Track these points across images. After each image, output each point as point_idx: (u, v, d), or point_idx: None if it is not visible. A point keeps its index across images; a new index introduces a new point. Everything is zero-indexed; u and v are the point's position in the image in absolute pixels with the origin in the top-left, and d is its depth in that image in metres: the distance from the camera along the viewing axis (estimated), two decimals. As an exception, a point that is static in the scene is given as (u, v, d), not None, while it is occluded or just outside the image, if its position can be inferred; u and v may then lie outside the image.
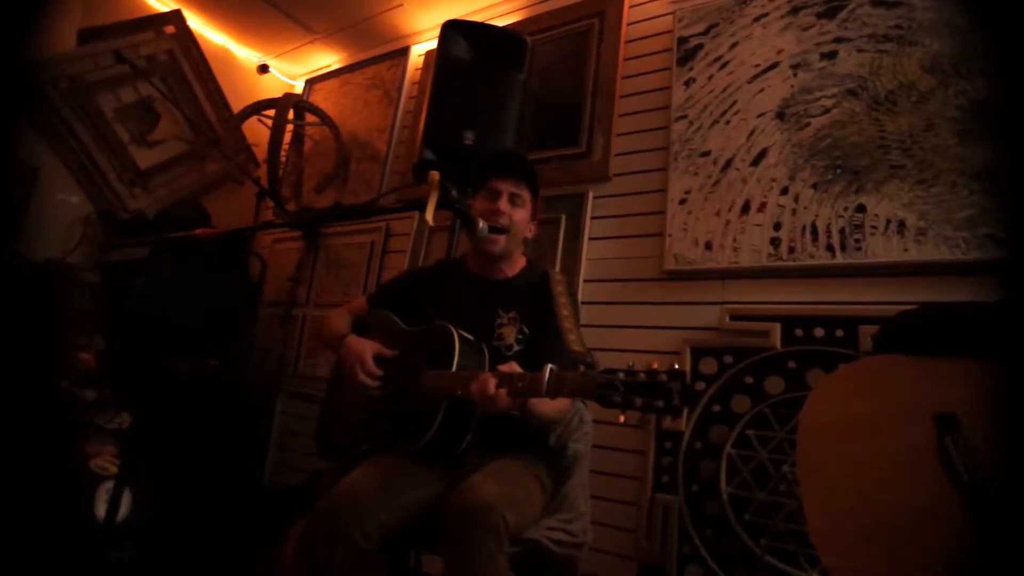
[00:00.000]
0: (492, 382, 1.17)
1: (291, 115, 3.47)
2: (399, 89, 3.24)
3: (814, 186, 1.83)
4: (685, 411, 1.79)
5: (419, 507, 1.29)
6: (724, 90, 2.08)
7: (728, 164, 2.00)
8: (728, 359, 1.83)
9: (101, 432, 2.21)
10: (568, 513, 1.41)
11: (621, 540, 1.88)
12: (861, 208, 1.73)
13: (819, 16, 1.95)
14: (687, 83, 2.18)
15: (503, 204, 1.47)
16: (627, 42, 2.44)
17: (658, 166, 2.18)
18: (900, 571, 0.89)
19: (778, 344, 1.76)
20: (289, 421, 3.16)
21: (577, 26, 2.58)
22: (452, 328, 1.36)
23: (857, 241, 1.71)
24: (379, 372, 1.45)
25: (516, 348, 1.43)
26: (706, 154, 2.06)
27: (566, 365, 1.18)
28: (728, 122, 2.05)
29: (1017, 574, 0.77)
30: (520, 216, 1.50)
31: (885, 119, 1.76)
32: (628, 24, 2.46)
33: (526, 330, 1.45)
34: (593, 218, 2.29)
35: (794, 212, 1.84)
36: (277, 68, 3.87)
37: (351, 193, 3.27)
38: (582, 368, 1.20)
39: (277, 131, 3.36)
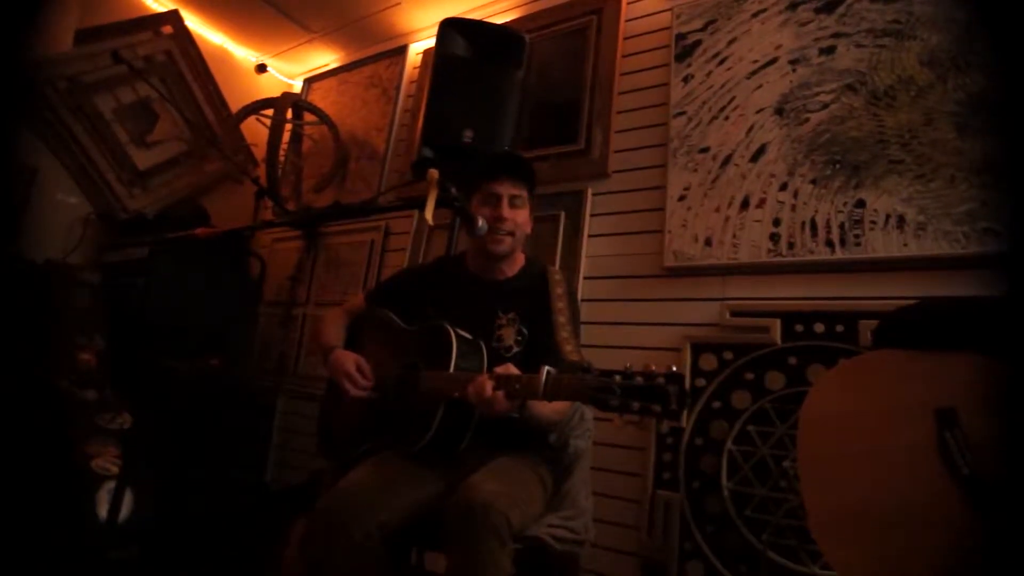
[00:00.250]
0: (489, 384, 1.17)
1: (289, 114, 3.46)
2: (397, 88, 3.23)
3: (813, 181, 1.82)
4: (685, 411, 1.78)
5: (420, 506, 1.29)
6: (723, 86, 2.08)
7: (727, 160, 2.00)
8: (728, 355, 1.84)
9: (102, 432, 2.21)
10: (570, 510, 1.41)
11: (623, 536, 1.88)
12: (860, 203, 1.73)
13: (817, 11, 1.95)
14: (686, 79, 2.17)
15: (506, 211, 1.46)
16: (625, 39, 2.43)
17: (657, 162, 2.18)
18: (901, 565, 0.89)
19: (778, 340, 1.76)
20: (290, 420, 3.15)
21: (575, 23, 2.57)
22: (450, 328, 1.35)
23: (857, 236, 1.71)
24: (369, 382, 1.45)
25: (515, 350, 1.44)
26: (705, 150, 2.06)
27: (562, 369, 1.18)
28: (727, 118, 2.04)
29: (1017, 568, 0.78)
30: (522, 217, 1.50)
31: (884, 114, 1.75)
32: (626, 21, 2.45)
33: (525, 332, 1.45)
34: (592, 215, 2.29)
35: (793, 208, 1.84)
36: (275, 67, 3.86)
37: (350, 192, 3.26)
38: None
39: (276, 130, 3.36)
